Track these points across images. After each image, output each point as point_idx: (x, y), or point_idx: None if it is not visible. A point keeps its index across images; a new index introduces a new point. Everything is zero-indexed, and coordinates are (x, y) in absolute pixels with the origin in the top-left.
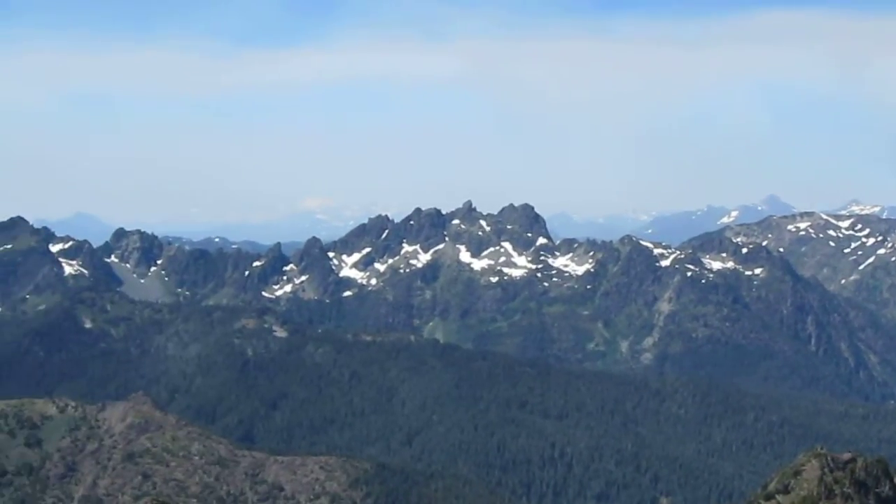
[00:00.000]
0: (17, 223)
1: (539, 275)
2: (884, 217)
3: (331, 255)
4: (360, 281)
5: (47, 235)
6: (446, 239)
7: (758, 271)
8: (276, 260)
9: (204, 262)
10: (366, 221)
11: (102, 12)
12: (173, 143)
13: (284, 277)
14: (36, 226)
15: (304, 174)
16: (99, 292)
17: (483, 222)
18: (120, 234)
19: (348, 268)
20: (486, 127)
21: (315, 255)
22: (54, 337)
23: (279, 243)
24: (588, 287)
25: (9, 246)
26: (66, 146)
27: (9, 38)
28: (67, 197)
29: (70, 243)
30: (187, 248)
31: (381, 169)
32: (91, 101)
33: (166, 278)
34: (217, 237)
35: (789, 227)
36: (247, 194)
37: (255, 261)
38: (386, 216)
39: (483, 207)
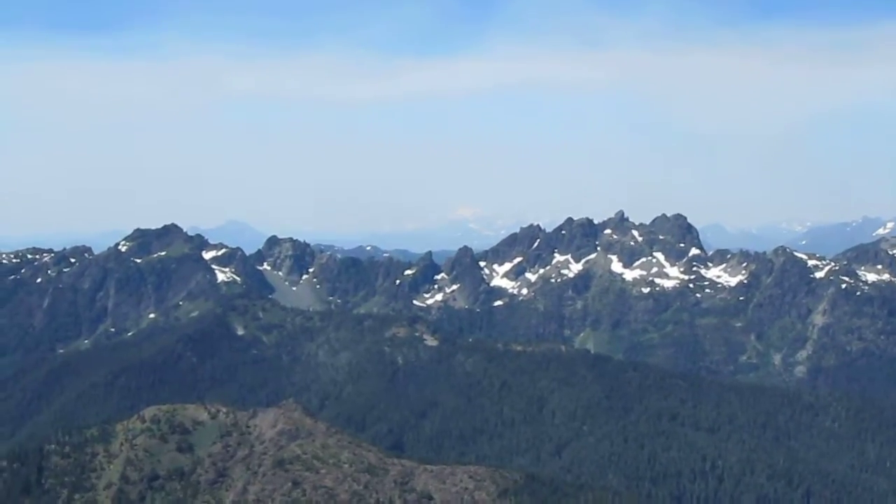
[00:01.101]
0: (171, 230)
1: (691, 286)
2: None
3: (482, 264)
4: (510, 290)
5: (201, 243)
6: (598, 249)
7: None
8: (428, 269)
9: (355, 271)
10: (517, 231)
11: (258, 23)
12: (325, 152)
13: (435, 286)
14: (189, 233)
15: (457, 183)
16: (251, 299)
17: (635, 232)
18: (272, 241)
19: (499, 277)
20: (638, 136)
21: (466, 264)
22: (207, 343)
23: (430, 252)
24: (741, 299)
25: (163, 253)
26: (219, 153)
27: (167, 42)
28: (220, 204)
29: (223, 251)
30: (339, 256)
31: (534, 177)
32: (243, 108)
33: (318, 286)
34: (368, 245)
35: None
36: (399, 203)
37: (406, 269)
38: (537, 226)
39: (635, 217)
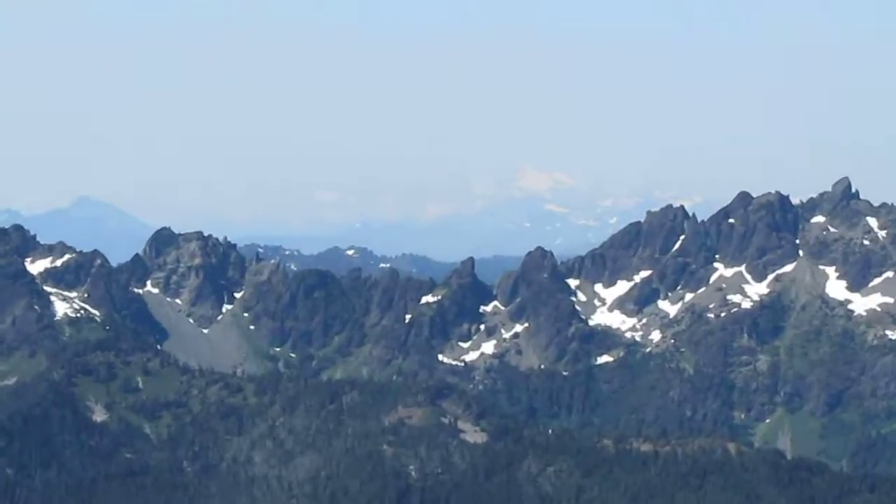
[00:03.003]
0: None
1: None
2: None
3: (572, 283)
4: (628, 335)
5: (22, 242)
6: (800, 253)
7: None
8: (467, 291)
9: (326, 295)
10: (641, 218)
11: None
12: (266, 69)
13: (482, 326)
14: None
15: (520, 125)
16: (122, 353)
17: (874, 221)
18: (163, 239)
19: (606, 309)
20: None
21: (543, 283)
22: (33, 439)
23: (472, 259)
24: None
25: None
26: (62, 76)
27: None
28: (63, 172)
29: (66, 257)
30: (293, 266)
31: (673, 117)
32: None
33: (252, 325)
34: (350, 248)
35: None
36: (409, 166)
37: (425, 292)
38: (681, 209)
39: (871, 191)
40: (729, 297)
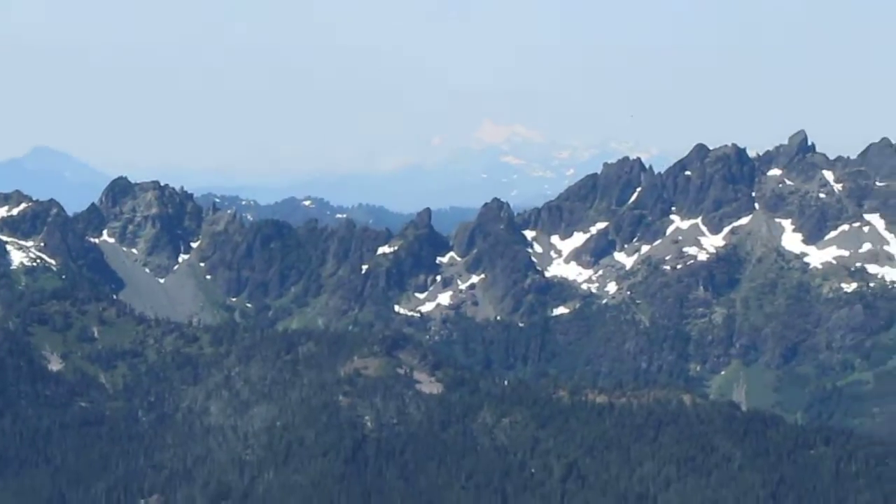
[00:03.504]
0: None
1: None
2: None
3: (529, 234)
4: (585, 286)
5: None
6: (755, 206)
7: None
8: (424, 241)
9: (282, 245)
10: (597, 171)
11: None
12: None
13: (439, 276)
14: None
15: (477, 70)
16: (78, 302)
17: (829, 174)
18: (120, 188)
19: (562, 260)
20: None
21: (499, 233)
22: None
23: (428, 210)
24: None
25: None
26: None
27: None
28: (18, 119)
29: (23, 206)
30: (249, 217)
31: (633, 60)
32: None
33: (209, 275)
34: (306, 198)
35: None
36: (365, 114)
37: (382, 243)
38: (637, 160)
39: (826, 144)
40: (685, 249)
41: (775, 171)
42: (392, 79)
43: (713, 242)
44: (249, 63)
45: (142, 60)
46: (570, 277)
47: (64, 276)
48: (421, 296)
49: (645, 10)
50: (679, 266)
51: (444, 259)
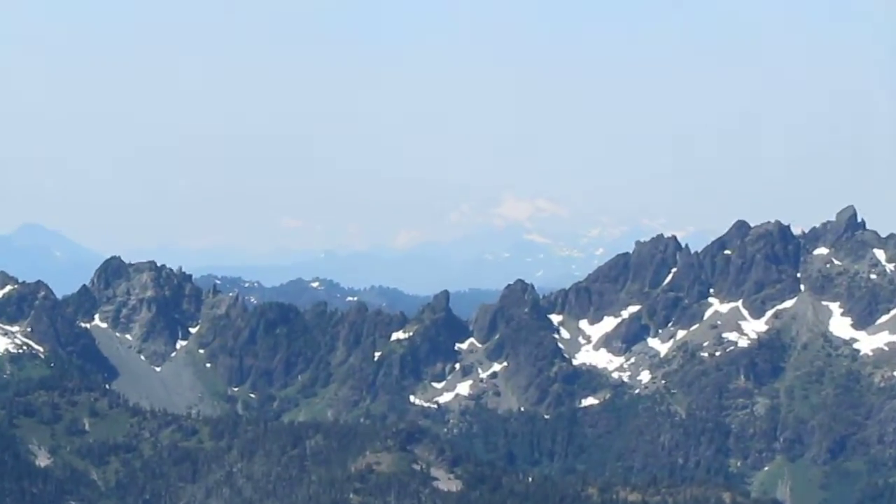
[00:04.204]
0: None
1: None
2: None
3: (555, 318)
4: (616, 375)
5: None
6: (801, 288)
7: None
8: (441, 327)
9: (290, 331)
10: (629, 249)
11: None
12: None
13: (458, 364)
14: None
15: (504, 148)
16: (67, 392)
17: (881, 253)
18: (113, 268)
19: (591, 347)
20: None
21: (522, 318)
22: None
23: (446, 292)
24: None
25: None
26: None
27: None
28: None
29: (7, 287)
30: (253, 300)
31: (661, 138)
32: None
33: (209, 363)
34: (314, 280)
35: None
36: (381, 188)
37: (396, 328)
38: (672, 239)
39: (877, 220)
40: (724, 334)
41: (822, 250)
42: (403, 147)
43: (755, 327)
44: (250, 136)
45: (135, 132)
46: (600, 365)
47: (52, 364)
48: (438, 385)
49: (680, 80)
50: (718, 353)
51: (464, 345)
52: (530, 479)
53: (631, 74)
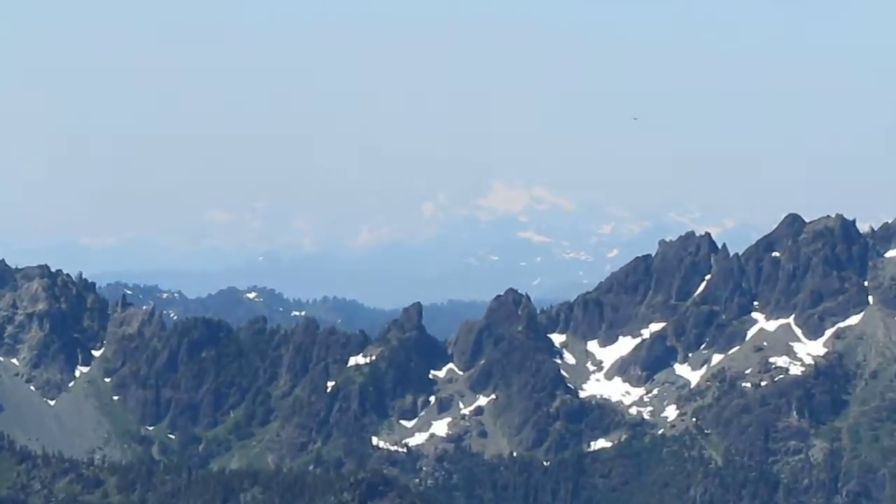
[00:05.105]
0: None
1: None
2: None
3: (557, 339)
4: (633, 411)
5: None
6: (869, 299)
7: None
8: (413, 348)
9: (218, 354)
10: (652, 251)
11: None
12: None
13: (433, 396)
14: None
15: (489, 123)
16: None
17: None
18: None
19: (602, 375)
20: None
21: (515, 338)
22: None
23: (418, 304)
24: None
25: None
26: None
27: None
28: None
29: None
30: (172, 314)
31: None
32: None
33: (116, 395)
34: (250, 290)
35: None
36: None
37: (354, 351)
38: (706, 236)
39: None
40: (772, 359)
41: (895, 253)
42: (362, 120)
43: (811, 350)
44: (167, 111)
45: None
46: (614, 398)
47: None
48: (408, 424)
49: (706, 42)
50: (764, 383)
51: (441, 373)
52: None
53: (658, 32)
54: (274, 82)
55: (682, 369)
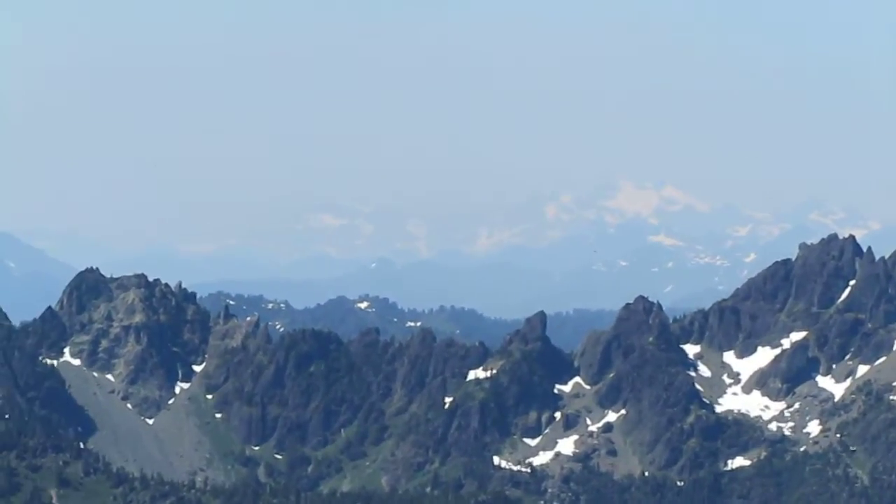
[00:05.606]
0: None
1: None
2: None
3: (691, 350)
4: (774, 428)
5: None
6: None
7: None
8: (535, 361)
9: (328, 370)
10: (792, 255)
11: None
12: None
13: (557, 412)
14: None
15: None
16: (28, 452)
17: None
18: (88, 283)
19: (741, 388)
20: None
21: (646, 348)
22: None
23: (542, 313)
24: None
25: None
26: None
27: None
28: None
29: None
30: (279, 326)
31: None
32: None
33: (219, 413)
34: (363, 300)
35: None
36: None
37: (473, 364)
38: (850, 238)
39: None
40: None
41: None
42: (482, 122)
43: None
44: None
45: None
46: (753, 413)
47: (7, 416)
48: (532, 442)
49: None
50: None
51: (566, 387)
52: None
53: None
54: (386, 79)
55: (825, 382)
